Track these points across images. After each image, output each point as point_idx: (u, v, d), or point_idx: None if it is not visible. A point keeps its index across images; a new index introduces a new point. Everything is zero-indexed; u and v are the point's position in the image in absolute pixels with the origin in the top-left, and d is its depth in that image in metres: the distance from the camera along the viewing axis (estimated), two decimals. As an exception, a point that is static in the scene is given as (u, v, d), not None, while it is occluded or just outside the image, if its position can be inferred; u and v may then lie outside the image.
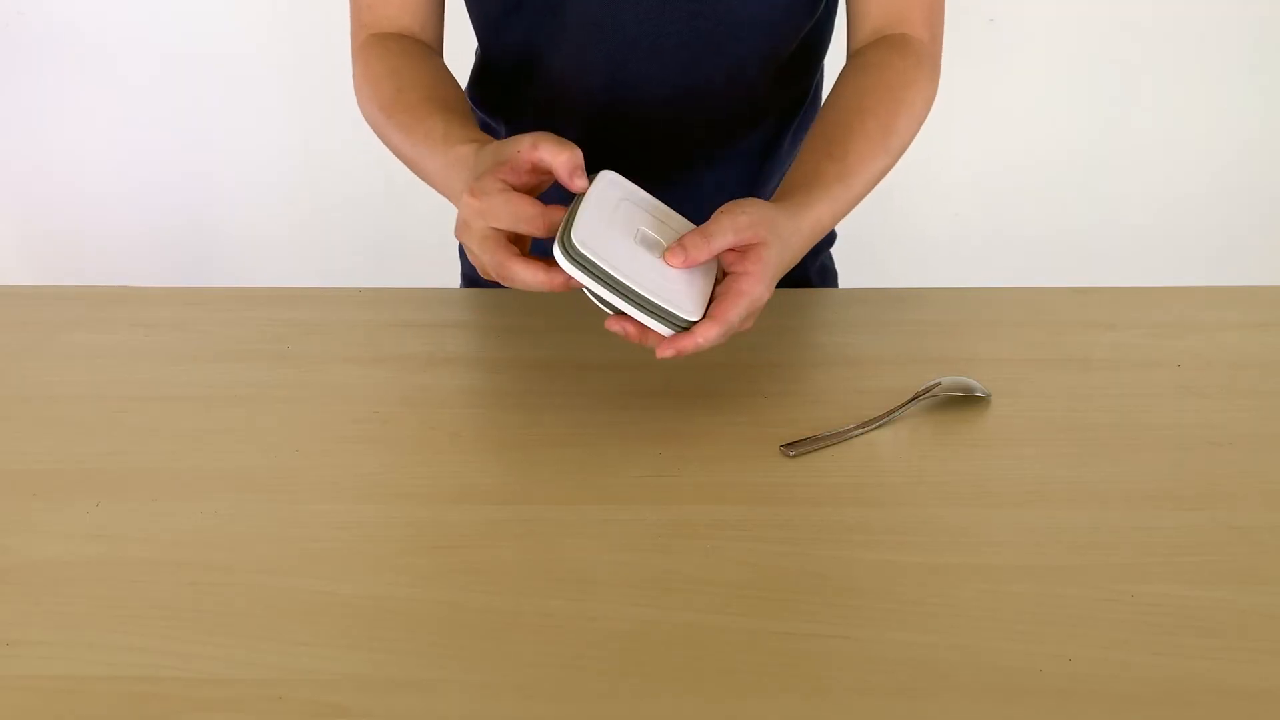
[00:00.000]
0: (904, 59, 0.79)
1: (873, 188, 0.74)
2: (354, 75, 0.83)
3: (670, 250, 0.59)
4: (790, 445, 0.61)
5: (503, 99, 0.89)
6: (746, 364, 0.71)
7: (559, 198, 0.61)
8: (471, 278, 0.99)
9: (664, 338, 0.58)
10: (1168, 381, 0.69)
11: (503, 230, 0.59)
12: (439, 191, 0.72)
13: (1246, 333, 0.76)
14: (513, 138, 0.62)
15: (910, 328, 0.77)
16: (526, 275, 0.58)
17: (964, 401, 0.66)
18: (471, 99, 0.93)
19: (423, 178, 0.74)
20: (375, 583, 0.50)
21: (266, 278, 1.86)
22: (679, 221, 0.63)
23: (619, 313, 0.58)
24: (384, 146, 0.80)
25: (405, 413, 0.66)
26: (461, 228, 0.62)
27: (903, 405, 0.65)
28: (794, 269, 0.99)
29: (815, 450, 0.61)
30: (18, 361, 0.73)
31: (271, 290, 0.85)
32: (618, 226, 0.59)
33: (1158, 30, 1.73)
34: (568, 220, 0.57)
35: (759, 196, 0.92)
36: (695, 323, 0.57)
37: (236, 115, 1.83)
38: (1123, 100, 1.79)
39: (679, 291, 0.58)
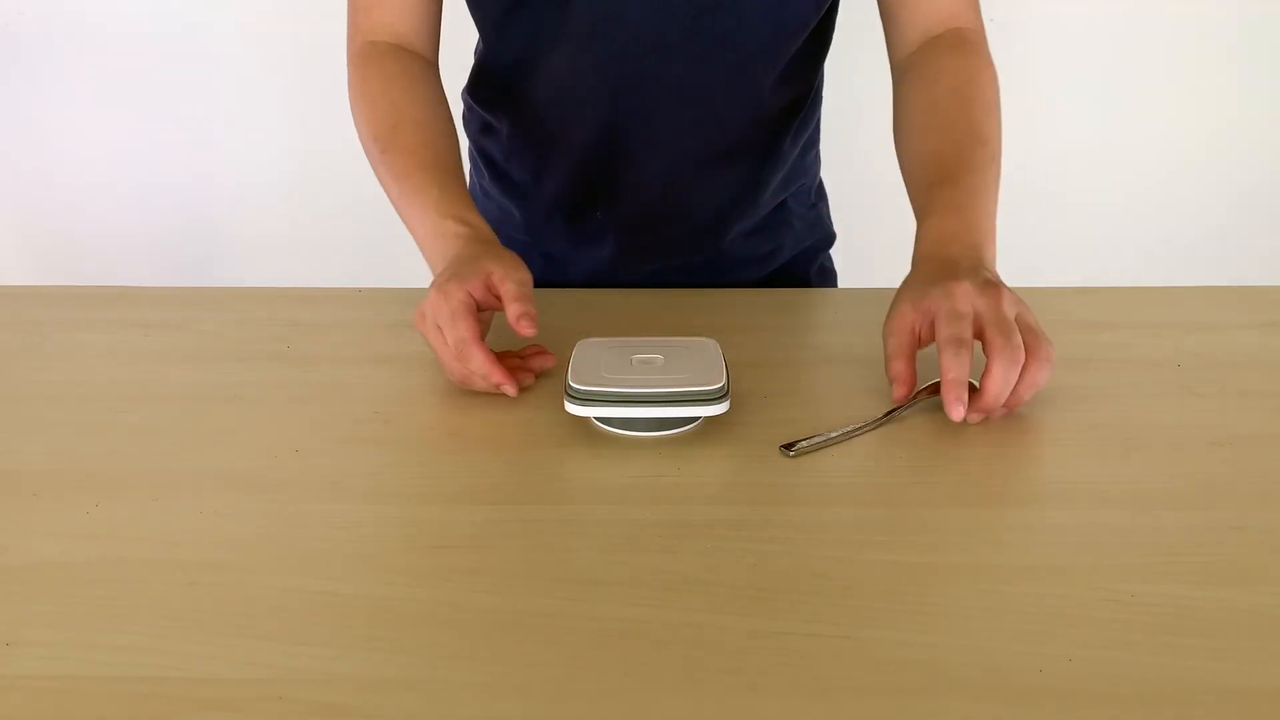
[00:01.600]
0: (961, 56, 0.80)
1: (997, 177, 0.74)
2: (349, 82, 0.83)
3: (894, 392, 0.64)
4: (790, 445, 0.61)
5: (504, 97, 0.89)
6: (747, 363, 0.71)
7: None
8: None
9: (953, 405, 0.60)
10: (1168, 381, 0.69)
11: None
12: (419, 247, 0.76)
13: (1246, 333, 0.76)
14: (493, 255, 0.68)
15: (910, 328, 0.77)
16: (485, 386, 0.66)
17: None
18: (472, 97, 0.93)
19: (405, 224, 0.77)
20: (375, 583, 0.50)
21: (266, 278, 1.86)
22: (669, 341, 0.67)
23: (655, 426, 0.62)
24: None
25: (405, 413, 0.66)
26: (420, 318, 0.67)
27: (903, 405, 0.65)
28: (795, 270, 1.00)
29: (815, 450, 0.61)
30: (18, 361, 0.73)
31: (271, 290, 0.85)
32: (611, 362, 0.64)
33: (1160, 30, 1.73)
34: (564, 377, 0.63)
35: (759, 197, 0.92)
36: (722, 389, 0.61)
37: (236, 115, 1.83)
38: (1124, 100, 1.79)
39: (692, 376, 0.62)
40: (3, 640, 0.46)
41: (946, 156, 0.74)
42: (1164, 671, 0.44)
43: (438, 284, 0.66)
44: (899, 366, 0.64)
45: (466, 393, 0.68)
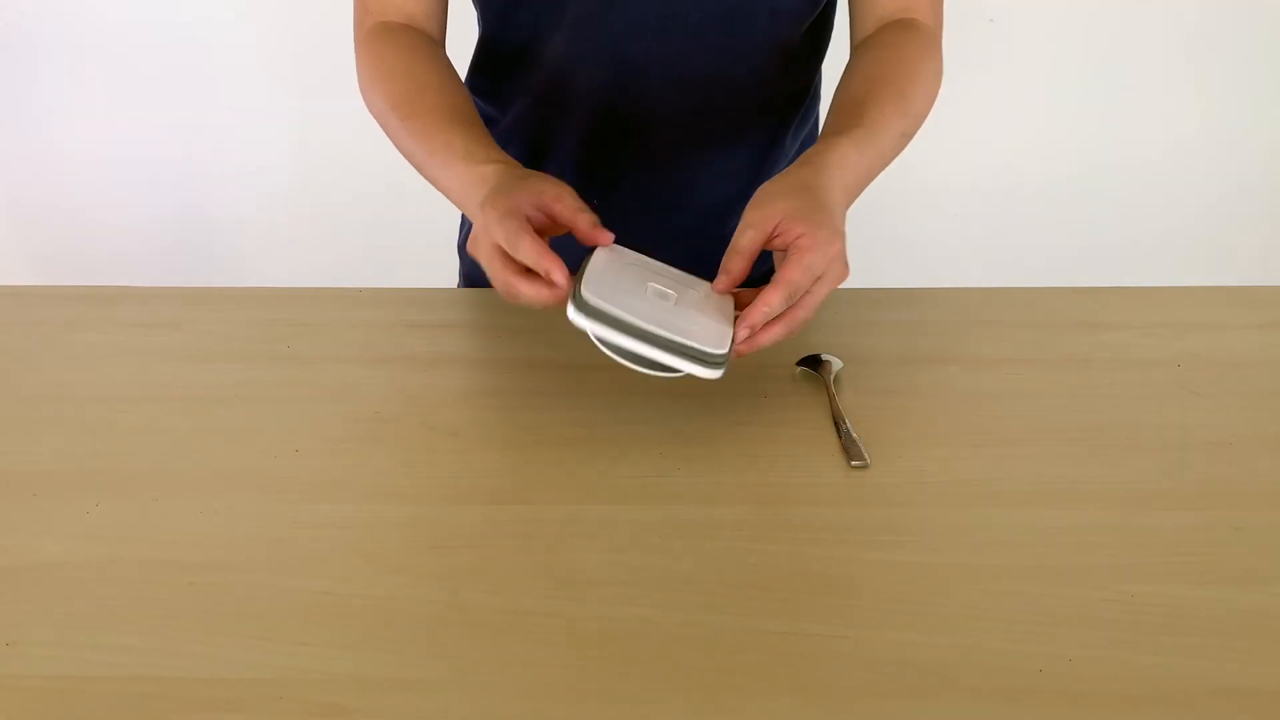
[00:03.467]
0: (914, 39, 0.81)
1: (898, 148, 0.75)
2: (359, 63, 0.82)
3: (716, 281, 0.63)
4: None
5: (505, 87, 0.89)
6: (747, 363, 0.71)
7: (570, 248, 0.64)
8: (472, 277, 0.99)
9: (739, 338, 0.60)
10: (1168, 381, 0.69)
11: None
12: (453, 202, 0.74)
13: (1246, 333, 0.76)
14: (539, 177, 0.66)
15: (910, 328, 0.77)
16: (529, 291, 0.61)
17: (964, 401, 0.66)
18: (472, 88, 0.93)
19: (433, 183, 0.76)
20: (375, 583, 0.50)
21: (266, 278, 1.86)
22: (686, 278, 0.66)
23: (644, 364, 0.59)
24: (385, 142, 0.80)
25: (405, 413, 0.66)
26: (472, 241, 0.64)
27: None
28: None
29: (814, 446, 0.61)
30: (18, 361, 0.73)
31: (271, 290, 0.85)
32: (627, 282, 0.62)
33: (1157, 30, 1.73)
34: (577, 280, 0.59)
35: (760, 186, 0.92)
36: (723, 356, 0.59)
37: (236, 115, 1.83)
38: (1122, 100, 1.79)
39: (700, 332, 0.59)
40: (3, 640, 0.46)
41: (870, 103, 0.74)
42: (1164, 671, 0.44)
43: (483, 205, 0.64)
44: (740, 264, 0.64)
45: (466, 392, 0.68)
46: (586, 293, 0.57)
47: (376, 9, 0.83)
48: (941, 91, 0.82)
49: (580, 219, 0.63)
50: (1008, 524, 0.54)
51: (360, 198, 1.85)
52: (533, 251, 0.60)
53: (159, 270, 1.94)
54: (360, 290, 0.85)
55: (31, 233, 1.97)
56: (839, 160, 0.68)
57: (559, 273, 0.59)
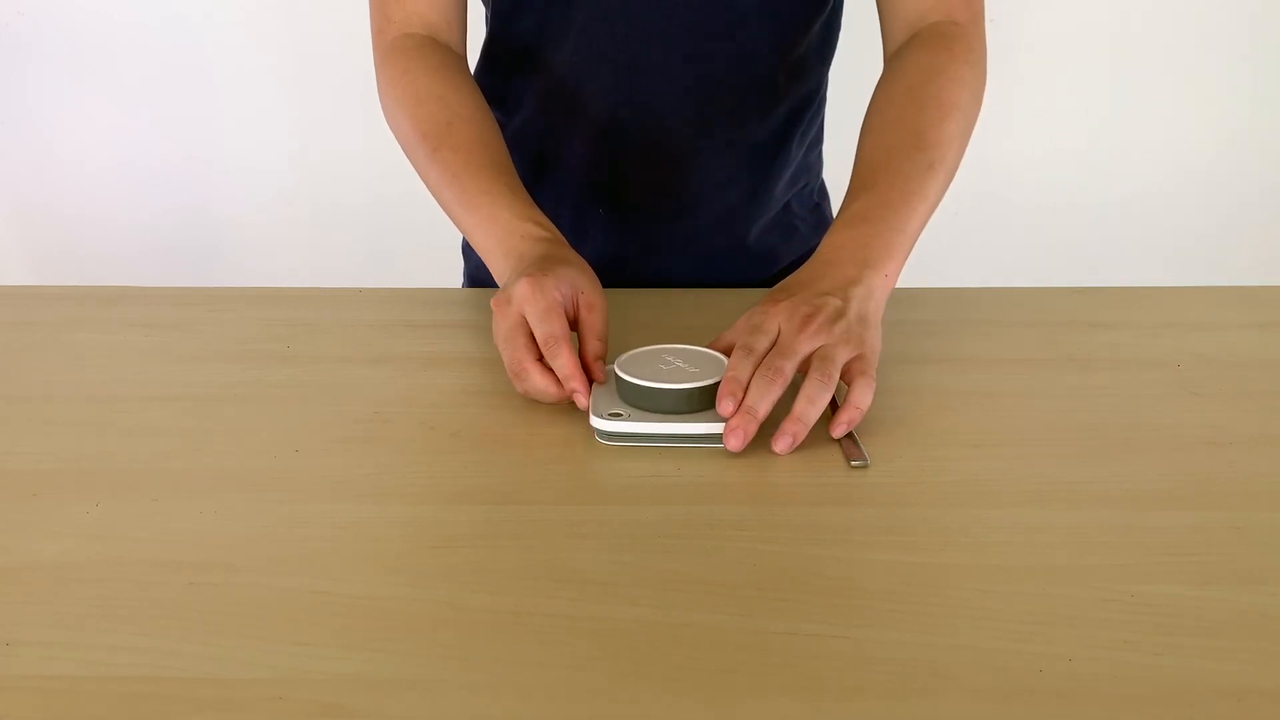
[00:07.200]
0: (932, 52, 0.77)
1: (925, 171, 0.71)
2: (381, 79, 0.81)
3: (719, 404, 0.60)
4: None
5: (511, 90, 0.89)
6: (746, 364, 0.71)
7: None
8: (476, 278, 0.99)
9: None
10: (1168, 381, 0.69)
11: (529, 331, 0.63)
12: (475, 248, 0.74)
13: (1246, 333, 0.76)
14: (577, 266, 0.67)
15: (910, 328, 0.77)
16: (541, 384, 0.62)
17: (964, 401, 0.66)
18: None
19: (455, 222, 0.76)
20: (375, 583, 0.50)
21: (266, 278, 1.86)
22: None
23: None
24: (387, 142, 0.80)
25: (405, 413, 0.66)
26: (501, 301, 0.65)
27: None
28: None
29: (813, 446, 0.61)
30: (18, 361, 0.73)
31: (271, 290, 0.85)
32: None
33: (1158, 30, 1.74)
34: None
35: (766, 191, 0.92)
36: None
37: (237, 115, 1.83)
38: (1122, 100, 1.79)
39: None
40: (3, 640, 0.46)
41: (877, 161, 0.72)
42: (1164, 671, 0.44)
43: (530, 274, 0.64)
44: (727, 385, 0.60)
45: (466, 392, 0.68)
46: (598, 422, 0.61)
47: (400, 19, 0.81)
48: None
49: (592, 346, 0.64)
50: (1008, 524, 0.54)
51: (361, 198, 1.85)
52: (568, 367, 0.61)
53: (159, 270, 1.94)
54: (360, 290, 0.85)
55: (31, 233, 1.97)
56: (828, 261, 0.67)
57: (583, 396, 0.62)
